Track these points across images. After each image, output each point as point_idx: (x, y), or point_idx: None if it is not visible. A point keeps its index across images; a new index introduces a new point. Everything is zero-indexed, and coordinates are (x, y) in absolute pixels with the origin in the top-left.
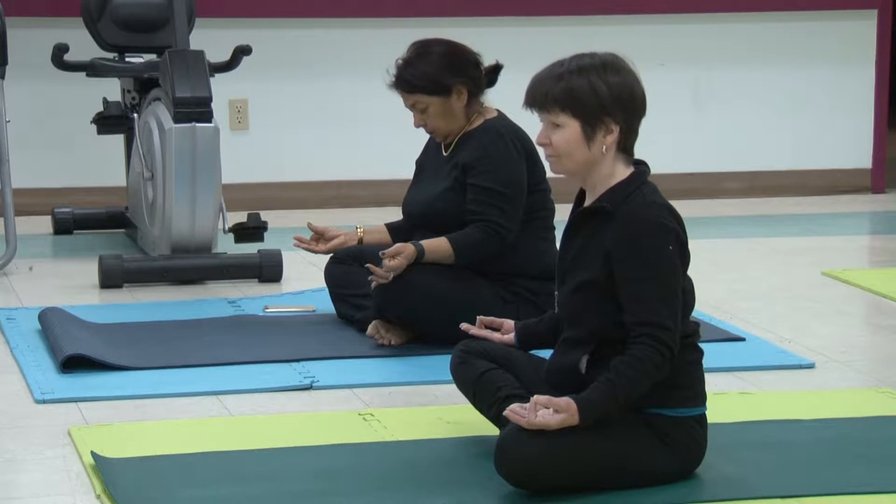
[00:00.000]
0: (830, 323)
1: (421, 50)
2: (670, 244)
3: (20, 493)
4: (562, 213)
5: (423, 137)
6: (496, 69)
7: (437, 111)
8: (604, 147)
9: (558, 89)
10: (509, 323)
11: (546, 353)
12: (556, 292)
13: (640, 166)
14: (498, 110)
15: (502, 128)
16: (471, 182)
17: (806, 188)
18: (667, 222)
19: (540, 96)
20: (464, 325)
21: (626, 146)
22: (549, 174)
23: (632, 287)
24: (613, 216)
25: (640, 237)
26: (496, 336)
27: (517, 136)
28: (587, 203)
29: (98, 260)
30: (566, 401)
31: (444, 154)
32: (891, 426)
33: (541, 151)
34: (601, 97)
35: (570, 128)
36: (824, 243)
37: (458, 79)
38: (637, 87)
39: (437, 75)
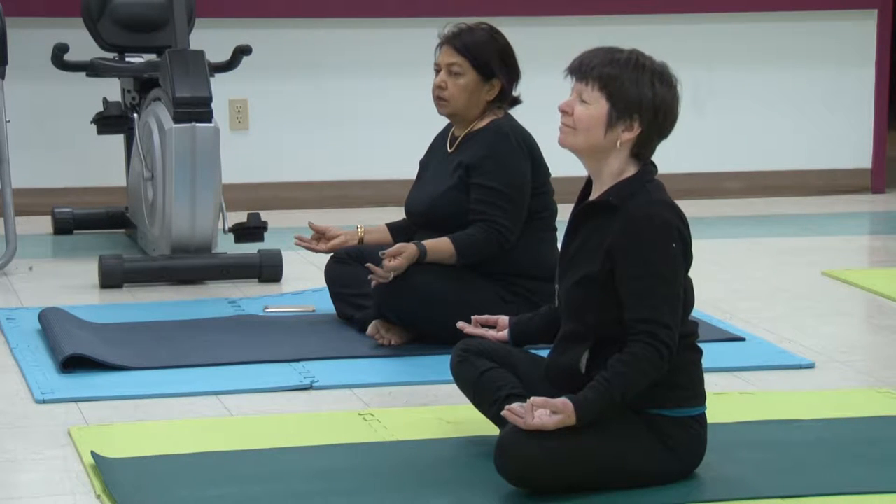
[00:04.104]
0: (830, 323)
1: (490, 31)
2: (674, 242)
3: (20, 493)
4: (564, 214)
5: (424, 137)
6: (516, 101)
7: (467, 85)
8: (618, 141)
9: (608, 69)
10: (504, 319)
11: (545, 352)
12: (556, 286)
13: (647, 165)
14: (505, 111)
15: (507, 128)
16: (474, 181)
17: (806, 188)
18: (671, 220)
19: (587, 66)
20: (459, 324)
21: (639, 153)
22: (553, 175)
23: (633, 284)
24: (618, 212)
25: (644, 234)
26: (490, 334)
27: (522, 136)
28: (593, 196)
29: (98, 260)
30: (563, 401)
31: (449, 151)
32: (891, 426)
33: (546, 132)
34: (642, 96)
35: (598, 107)
36: (824, 243)
37: (503, 74)
38: (676, 108)
39: (491, 57)
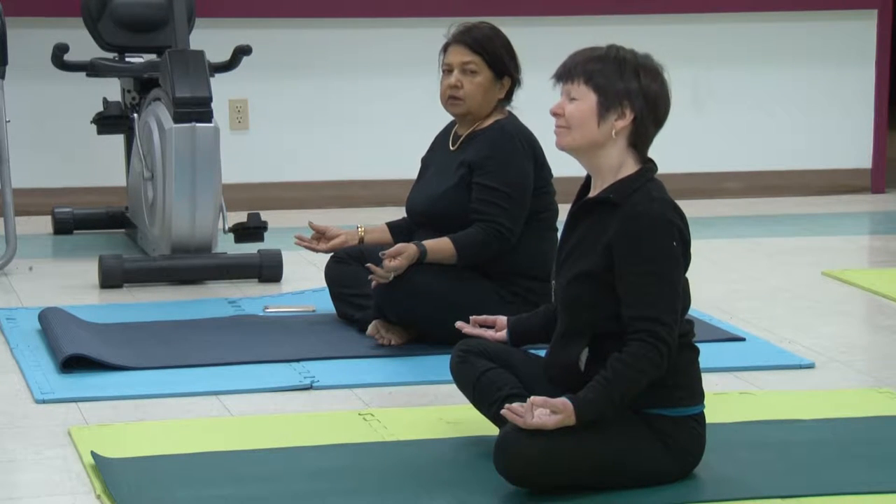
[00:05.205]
0: (830, 323)
1: (493, 28)
2: (674, 240)
3: (20, 493)
4: (564, 215)
5: (424, 136)
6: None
7: (482, 83)
8: (613, 131)
9: (591, 64)
10: (502, 320)
11: (544, 352)
12: (552, 281)
13: (648, 163)
14: (509, 111)
15: (511, 128)
16: (476, 181)
17: (806, 188)
18: (672, 219)
19: (570, 67)
20: (458, 324)
21: (636, 142)
22: (555, 176)
23: (632, 281)
24: (618, 209)
25: (644, 232)
26: (489, 334)
27: (525, 137)
28: (592, 193)
29: (98, 260)
30: (563, 401)
31: (452, 150)
32: (891, 426)
33: (548, 132)
34: (628, 84)
35: (587, 101)
36: (824, 243)
37: (513, 71)
38: (665, 94)
39: (504, 55)
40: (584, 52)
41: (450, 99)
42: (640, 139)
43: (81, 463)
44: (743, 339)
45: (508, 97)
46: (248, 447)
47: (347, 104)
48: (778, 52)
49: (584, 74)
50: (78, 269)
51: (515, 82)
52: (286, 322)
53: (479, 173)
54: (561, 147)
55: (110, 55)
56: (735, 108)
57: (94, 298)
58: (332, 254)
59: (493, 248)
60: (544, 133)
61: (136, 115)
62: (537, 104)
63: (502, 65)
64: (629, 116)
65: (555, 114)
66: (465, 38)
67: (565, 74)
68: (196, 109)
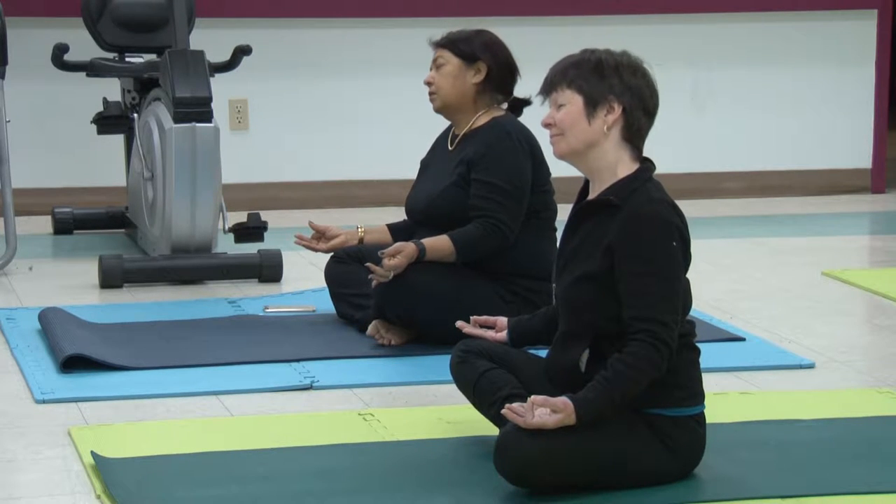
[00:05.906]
0: (830, 323)
1: (479, 30)
2: (674, 241)
3: (20, 493)
4: (564, 214)
5: (424, 137)
6: (524, 102)
7: (450, 72)
8: (605, 126)
9: (570, 70)
10: (502, 321)
11: (544, 352)
12: (553, 284)
13: (646, 163)
14: (507, 110)
15: (509, 125)
16: (475, 177)
17: (806, 188)
18: (672, 219)
19: (550, 78)
20: (458, 323)
21: (630, 135)
22: (553, 175)
23: (632, 282)
24: (618, 210)
25: (645, 233)
26: (489, 334)
27: (523, 134)
28: (592, 196)
29: (98, 260)
30: (563, 401)
31: (450, 149)
32: (891, 426)
33: (546, 137)
34: (609, 80)
35: (574, 103)
36: (824, 243)
37: (486, 57)
38: (648, 83)
39: (470, 44)
40: (561, 62)
41: (429, 96)
42: (633, 132)
43: (81, 463)
44: (743, 339)
45: (495, 87)
46: (248, 447)
47: (347, 104)
48: (778, 52)
49: (565, 81)
50: (78, 269)
51: (500, 70)
52: (286, 322)
53: (477, 170)
54: (559, 155)
55: (110, 55)
56: (735, 108)
57: (94, 298)
58: (331, 254)
59: (492, 244)
60: (544, 134)
61: (136, 115)
62: (535, 105)
63: (470, 52)
64: (618, 110)
65: (546, 125)
66: (438, 40)
67: (548, 86)
68: (196, 109)
